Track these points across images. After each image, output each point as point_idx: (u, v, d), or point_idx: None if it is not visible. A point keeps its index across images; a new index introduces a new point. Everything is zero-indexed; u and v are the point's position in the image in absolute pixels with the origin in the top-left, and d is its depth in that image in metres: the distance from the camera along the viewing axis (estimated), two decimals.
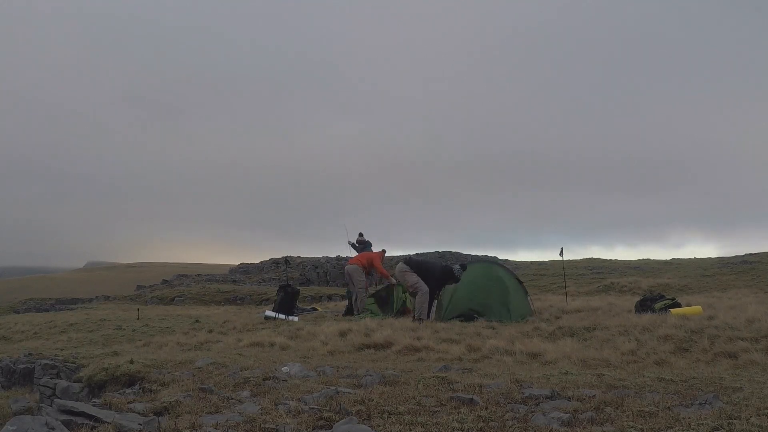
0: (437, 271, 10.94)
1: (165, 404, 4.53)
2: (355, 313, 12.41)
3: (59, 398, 6.15)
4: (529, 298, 11.75)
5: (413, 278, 10.78)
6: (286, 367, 5.97)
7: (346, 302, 14.51)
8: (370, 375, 5.27)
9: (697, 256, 32.62)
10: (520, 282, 11.74)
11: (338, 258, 37.82)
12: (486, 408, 3.94)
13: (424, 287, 10.67)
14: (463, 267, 11.10)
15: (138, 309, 18.95)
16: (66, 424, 3.93)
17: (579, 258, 35.06)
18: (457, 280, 10.83)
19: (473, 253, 35.58)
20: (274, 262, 39.40)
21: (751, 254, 28.30)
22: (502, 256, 37.09)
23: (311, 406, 4.11)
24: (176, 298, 28.01)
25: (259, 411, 4.09)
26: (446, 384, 4.82)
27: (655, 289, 19.72)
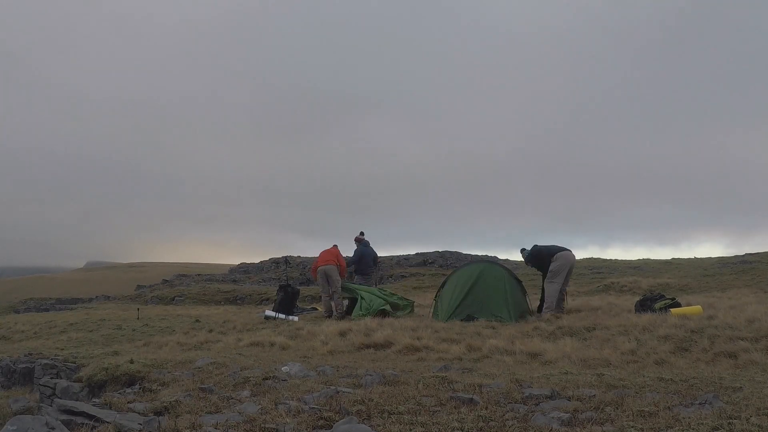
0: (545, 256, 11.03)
1: (165, 404, 4.54)
2: (334, 315, 12.28)
3: (59, 398, 6.15)
4: (528, 297, 11.75)
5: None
6: (286, 367, 5.97)
7: (345, 302, 14.47)
8: (370, 375, 5.27)
9: (697, 256, 32.62)
10: (519, 281, 11.74)
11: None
12: (486, 408, 3.95)
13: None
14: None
15: (138, 309, 18.94)
16: (66, 423, 3.93)
17: (579, 258, 35.04)
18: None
19: (473, 253, 35.57)
20: (274, 262, 39.38)
21: (751, 254, 28.28)
22: (502, 256, 37.07)
23: (311, 406, 4.11)
24: (176, 298, 28.01)
25: (259, 411, 4.09)
26: (446, 384, 4.82)
27: (655, 289, 19.70)
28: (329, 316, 12.38)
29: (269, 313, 12.93)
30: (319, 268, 12.59)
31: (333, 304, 12.53)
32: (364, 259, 14.07)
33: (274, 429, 3.60)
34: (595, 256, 35.46)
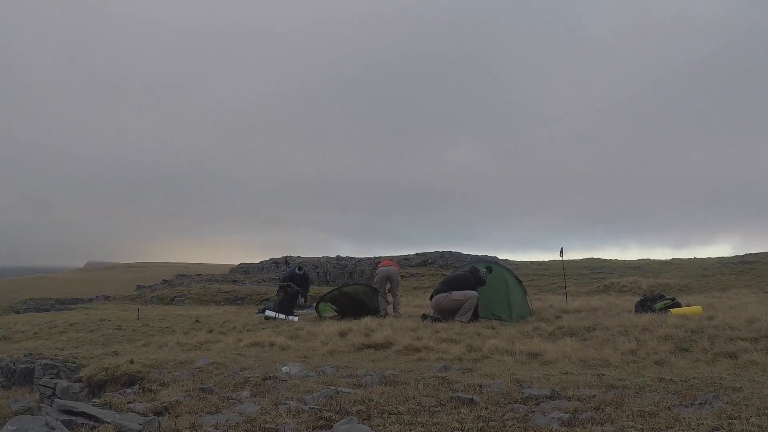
0: (471, 282, 10.91)
1: (165, 404, 4.54)
2: (381, 314, 12.29)
3: (59, 398, 6.15)
4: (528, 297, 11.76)
5: (460, 295, 10.70)
6: (286, 367, 5.97)
7: None
8: (370, 375, 5.27)
9: (697, 256, 32.60)
10: (520, 281, 11.74)
11: (338, 258, 37.83)
12: (486, 408, 3.94)
13: (474, 293, 10.62)
14: (489, 270, 11.17)
15: (138, 309, 18.93)
16: (66, 424, 3.92)
17: (579, 258, 35.04)
18: (483, 282, 10.88)
19: (473, 253, 35.56)
20: (274, 262, 39.39)
21: (751, 254, 28.28)
22: (502, 256, 37.07)
23: (311, 406, 4.11)
24: (176, 298, 28.00)
25: (259, 411, 4.09)
26: (446, 384, 4.82)
27: (655, 289, 19.70)
28: (384, 315, 12.31)
29: (269, 313, 12.93)
30: (379, 270, 12.96)
31: (389, 303, 12.83)
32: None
33: (274, 429, 3.60)
34: (597, 256, 35.41)
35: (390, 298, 12.76)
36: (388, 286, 12.71)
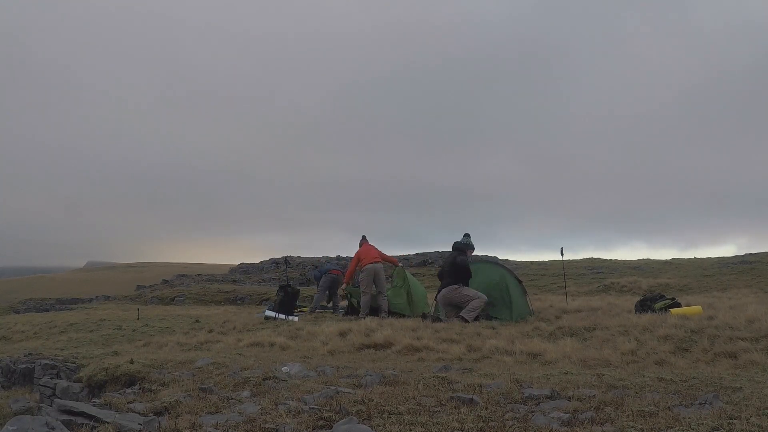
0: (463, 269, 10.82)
1: (165, 404, 4.54)
2: (361, 316, 12.09)
3: (59, 398, 6.15)
4: (528, 297, 11.76)
5: (471, 291, 10.63)
6: (286, 367, 5.97)
7: (344, 302, 14.49)
8: (370, 375, 5.27)
9: (697, 256, 32.58)
10: (520, 281, 11.75)
11: (338, 258, 37.81)
12: (486, 408, 3.94)
13: (484, 297, 10.52)
14: (468, 235, 11.29)
15: (138, 309, 18.93)
16: (66, 424, 3.92)
17: (579, 258, 35.04)
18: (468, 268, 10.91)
19: (474, 253, 35.51)
20: (274, 262, 39.38)
21: (751, 254, 28.28)
22: (502, 256, 37.05)
23: (311, 406, 4.11)
24: (176, 298, 27.99)
25: (259, 411, 4.09)
26: (446, 384, 4.82)
27: (655, 289, 19.70)
28: (365, 317, 11.78)
29: (269, 313, 12.93)
30: (367, 267, 12.23)
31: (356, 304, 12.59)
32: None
33: (274, 429, 3.60)
34: (596, 255, 35.41)
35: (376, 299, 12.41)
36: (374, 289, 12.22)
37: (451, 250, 11.48)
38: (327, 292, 15.14)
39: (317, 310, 14.58)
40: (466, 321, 9.98)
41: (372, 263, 12.32)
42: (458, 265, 10.84)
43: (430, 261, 34.81)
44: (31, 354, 9.49)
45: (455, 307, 10.60)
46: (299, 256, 39.59)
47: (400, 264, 13.52)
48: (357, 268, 12.75)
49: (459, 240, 11.35)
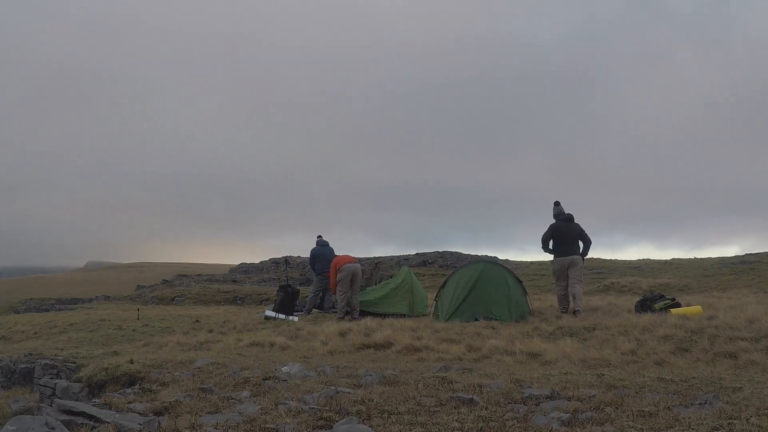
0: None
1: (165, 404, 4.54)
2: (339, 315, 12.14)
3: (59, 398, 6.15)
4: (528, 297, 11.75)
5: (579, 260, 10.57)
6: (286, 367, 5.97)
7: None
8: (370, 375, 5.27)
9: (697, 256, 32.58)
10: (520, 282, 11.74)
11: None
12: (486, 408, 3.94)
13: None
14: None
15: (138, 309, 18.92)
16: (66, 424, 3.93)
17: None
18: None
19: (473, 253, 35.55)
20: (274, 262, 39.38)
21: (751, 254, 28.27)
22: (502, 256, 37.05)
23: (311, 406, 4.11)
24: (176, 298, 27.99)
25: (259, 411, 4.09)
26: (446, 384, 4.82)
27: (655, 289, 19.69)
28: (343, 317, 12.03)
29: (269, 313, 12.93)
30: (346, 266, 12.39)
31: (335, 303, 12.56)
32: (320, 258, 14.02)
33: (274, 429, 3.60)
34: (597, 256, 35.41)
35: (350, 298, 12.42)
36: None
37: (555, 220, 10.96)
38: (321, 294, 15.14)
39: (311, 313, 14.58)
40: (578, 312, 10.15)
41: (350, 263, 12.58)
42: (585, 236, 10.78)
43: (430, 261, 34.80)
44: (31, 354, 9.49)
45: (565, 280, 10.69)
46: (299, 256, 39.59)
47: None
48: (336, 270, 12.80)
49: (560, 210, 10.93)
